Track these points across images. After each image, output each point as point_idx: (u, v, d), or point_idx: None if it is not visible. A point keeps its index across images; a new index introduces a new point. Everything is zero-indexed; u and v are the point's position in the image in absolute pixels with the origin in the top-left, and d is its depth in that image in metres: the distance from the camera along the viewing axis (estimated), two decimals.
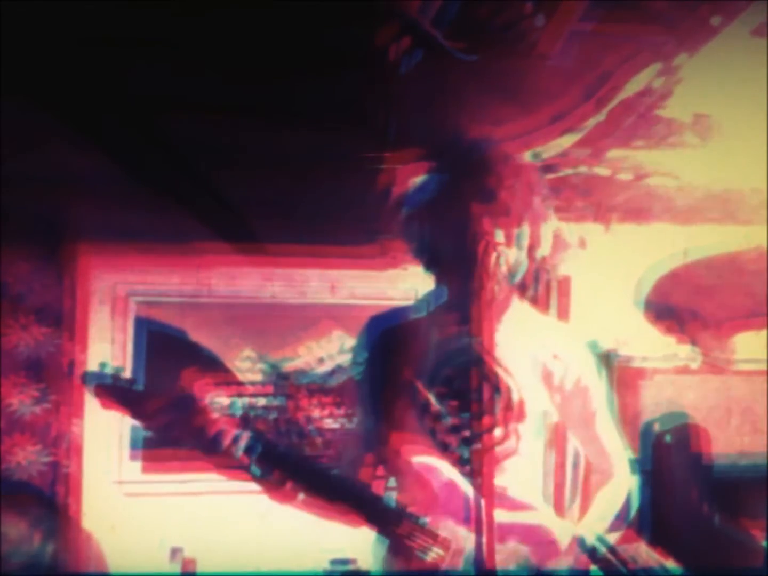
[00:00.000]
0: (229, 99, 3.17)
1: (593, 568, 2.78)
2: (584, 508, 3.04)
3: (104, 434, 3.92)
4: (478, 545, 2.54)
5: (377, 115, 3.20)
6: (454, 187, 2.77)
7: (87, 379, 2.67)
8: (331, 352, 4.10)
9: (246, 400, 4.01)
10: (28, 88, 3.00)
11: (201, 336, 3.95)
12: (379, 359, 2.91)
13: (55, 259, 3.87)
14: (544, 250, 2.81)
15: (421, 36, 2.89)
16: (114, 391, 2.64)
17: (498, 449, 2.72)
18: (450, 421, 2.76)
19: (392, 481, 2.88)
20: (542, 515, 2.82)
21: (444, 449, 2.76)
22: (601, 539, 2.79)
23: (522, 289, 2.90)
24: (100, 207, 3.67)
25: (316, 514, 2.77)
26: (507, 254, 2.71)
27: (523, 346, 2.84)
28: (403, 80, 3.04)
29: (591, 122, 3.37)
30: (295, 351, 4.09)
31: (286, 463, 2.70)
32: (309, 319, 4.11)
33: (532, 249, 2.78)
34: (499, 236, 2.70)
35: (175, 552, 3.76)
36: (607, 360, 3.73)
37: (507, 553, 2.69)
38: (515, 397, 2.77)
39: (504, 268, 2.72)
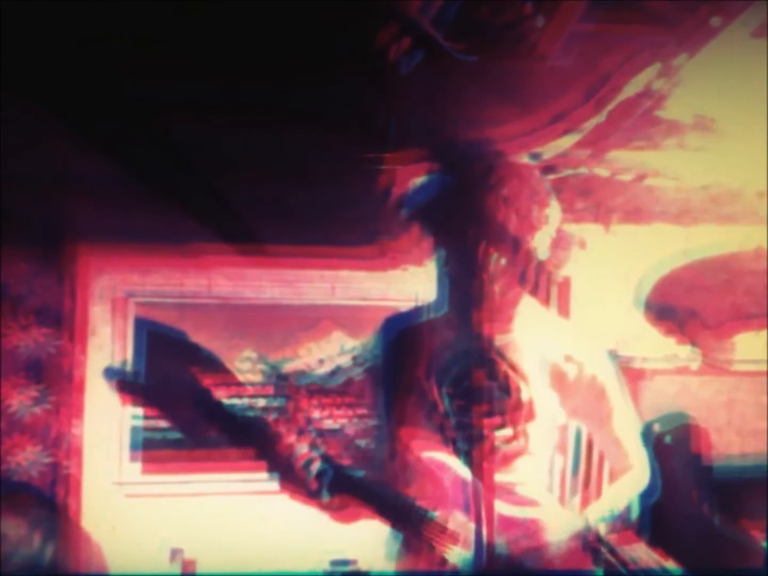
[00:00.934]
0: (229, 99, 3.17)
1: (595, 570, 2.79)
2: (589, 501, 3.05)
3: (104, 435, 3.92)
4: (479, 540, 2.55)
5: (377, 115, 3.20)
6: (458, 187, 2.78)
7: (108, 374, 2.70)
8: (331, 353, 4.11)
9: (246, 400, 4.02)
10: (28, 88, 3.00)
11: (201, 337, 3.95)
12: (392, 359, 2.93)
13: (56, 260, 3.87)
14: (546, 250, 2.82)
15: (421, 37, 2.89)
16: (136, 388, 2.66)
17: (507, 448, 2.73)
18: (458, 419, 2.77)
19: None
20: (550, 512, 2.83)
21: (451, 446, 2.78)
22: (601, 539, 2.79)
23: (528, 288, 2.91)
24: (100, 207, 3.67)
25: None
26: (509, 254, 2.72)
27: (535, 345, 2.85)
28: (403, 81, 3.04)
29: (591, 123, 3.37)
30: (295, 352, 4.09)
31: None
32: (309, 320, 4.11)
33: (534, 249, 2.79)
34: (504, 236, 2.70)
35: (175, 553, 3.76)
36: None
37: (511, 549, 2.70)
38: (525, 396, 2.78)
39: (506, 268, 2.73)
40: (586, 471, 3.42)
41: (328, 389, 4.09)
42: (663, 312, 4.12)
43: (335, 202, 3.69)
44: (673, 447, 3.90)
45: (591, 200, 3.96)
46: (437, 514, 2.71)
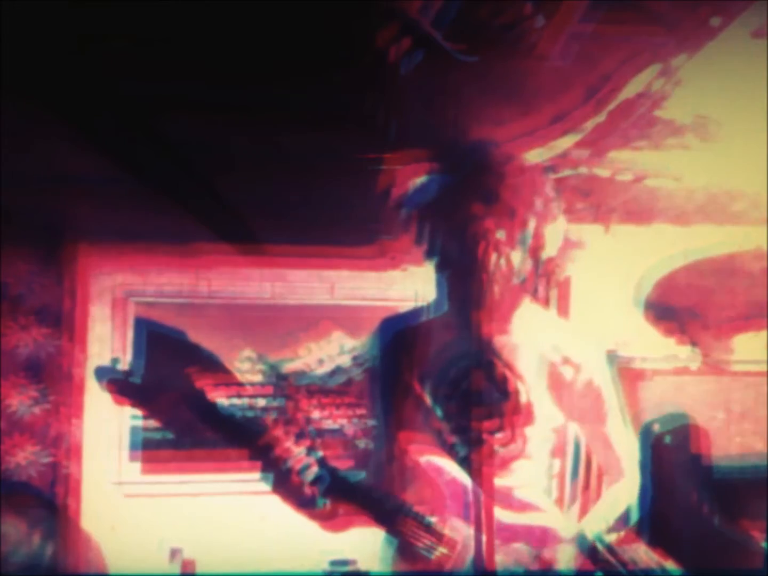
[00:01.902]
0: (229, 99, 3.17)
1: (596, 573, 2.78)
2: (588, 507, 3.04)
3: (104, 435, 3.92)
4: (478, 544, 2.54)
5: (377, 115, 3.19)
6: (458, 188, 2.78)
7: (99, 374, 2.68)
8: (331, 353, 4.10)
9: (245, 400, 4.01)
10: (28, 88, 3.00)
11: (201, 337, 3.95)
12: (390, 360, 2.92)
13: (55, 260, 3.86)
14: (548, 251, 2.81)
15: (421, 37, 2.88)
16: (127, 386, 2.64)
17: (505, 451, 2.72)
18: (456, 422, 2.77)
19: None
20: (547, 516, 2.82)
21: (449, 450, 2.77)
22: (600, 539, 2.79)
23: (527, 289, 2.90)
24: (100, 207, 3.67)
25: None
26: (510, 255, 2.71)
27: (533, 347, 2.84)
28: (403, 81, 3.03)
29: (591, 123, 3.36)
30: (294, 352, 4.09)
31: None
32: (308, 320, 4.11)
33: (536, 250, 2.78)
34: (503, 237, 2.70)
35: (174, 553, 3.76)
36: (607, 361, 3.73)
37: (510, 553, 2.69)
38: (523, 399, 2.78)
39: (506, 269, 2.72)
40: (584, 477, 3.42)
41: (328, 389, 4.08)
42: (663, 312, 4.12)
43: (335, 202, 3.69)
44: (672, 447, 3.90)
45: (591, 200, 3.95)
46: (434, 520, 2.70)
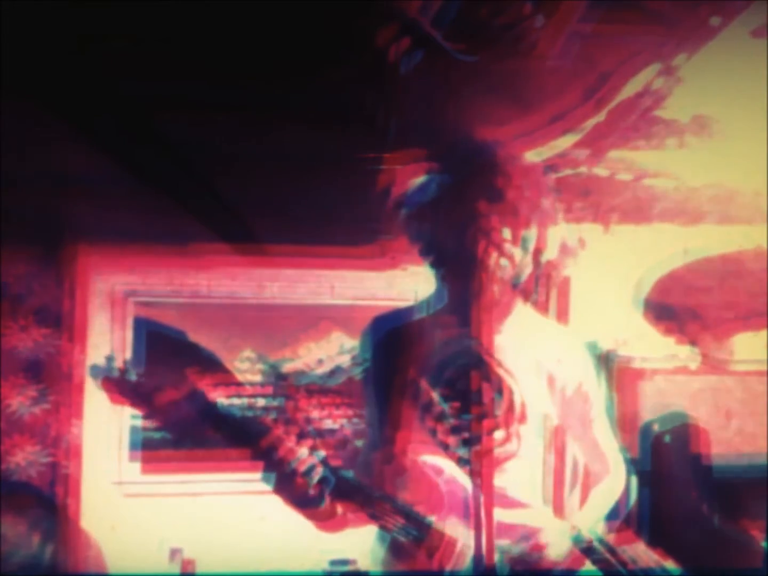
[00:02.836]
0: (229, 99, 3.17)
1: (589, 567, 2.78)
2: (579, 505, 3.05)
3: (103, 435, 3.92)
4: (478, 544, 2.54)
5: (377, 115, 3.20)
6: (459, 187, 2.77)
7: (93, 372, 2.66)
8: (331, 353, 4.10)
9: (245, 400, 4.01)
10: (27, 88, 3.00)
11: (200, 337, 3.95)
12: (383, 359, 2.91)
13: (55, 260, 3.86)
14: (549, 253, 2.81)
15: (421, 36, 2.88)
16: (122, 385, 2.62)
17: (499, 450, 2.72)
18: (451, 421, 2.76)
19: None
20: (540, 515, 2.82)
21: (444, 449, 2.77)
22: (599, 539, 2.79)
23: (524, 291, 2.90)
24: (100, 207, 3.66)
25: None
26: (510, 255, 2.71)
27: (527, 348, 2.84)
28: (402, 81, 3.03)
29: (590, 123, 3.37)
30: (294, 352, 4.09)
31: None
32: (308, 320, 4.11)
33: (537, 252, 2.77)
34: (506, 237, 2.69)
35: (174, 552, 3.76)
36: (606, 360, 3.73)
37: (504, 553, 2.69)
38: (517, 399, 2.77)
39: (505, 270, 2.72)
40: (573, 476, 3.42)
41: (328, 389, 4.08)
42: (662, 312, 4.12)
43: (335, 202, 3.69)
44: (672, 447, 3.90)
45: (590, 200, 3.95)
46: (434, 520, 2.70)
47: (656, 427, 3.90)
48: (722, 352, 4.11)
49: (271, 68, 3.01)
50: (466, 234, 2.69)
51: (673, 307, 4.11)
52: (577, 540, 2.76)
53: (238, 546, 3.78)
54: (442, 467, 2.76)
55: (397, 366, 2.85)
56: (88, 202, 3.66)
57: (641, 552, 2.84)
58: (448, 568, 2.67)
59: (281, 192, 3.64)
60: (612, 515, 2.95)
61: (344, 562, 3.53)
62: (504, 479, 2.73)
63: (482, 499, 2.54)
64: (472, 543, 2.58)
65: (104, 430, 3.91)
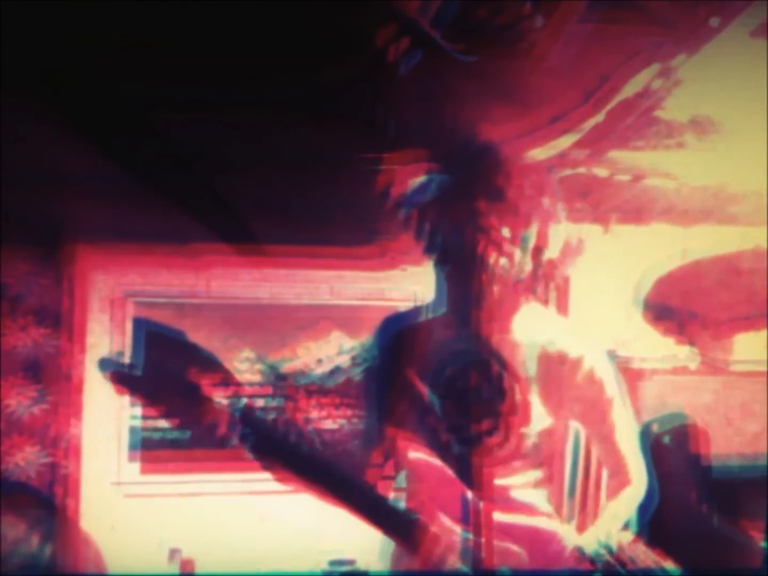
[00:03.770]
0: (228, 99, 3.17)
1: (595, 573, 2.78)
2: (593, 514, 3.03)
3: (103, 435, 3.92)
4: (477, 545, 2.54)
5: (376, 115, 3.19)
6: (459, 187, 2.77)
7: (102, 365, 2.67)
8: (330, 353, 4.10)
9: (245, 400, 4.01)
10: (27, 87, 3.00)
11: (200, 337, 3.95)
12: (389, 359, 2.92)
13: (54, 260, 3.86)
14: (551, 252, 2.81)
15: (420, 36, 2.88)
16: (129, 379, 2.64)
17: (500, 451, 2.72)
18: (451, 421, 2.76)
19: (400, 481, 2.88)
20: (543, 518, 2.82)
21: (444, 448, 2.77)
22: (601, 542, 2.79)
23: (525, 289, 2.90)
24: (99, 207, 3.67)
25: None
26: (509, 254, 2.71)
27: (532, 346, 2.83)
28: (402, 81, 3.03)
29: (590, 123, 3.36)
30: (293, 352, 4.09)
31: (281, 452, 2.68)
32: (307, 320, 4.11)
33: (537, 251, 2.77)
34: (505, 235, 2.69)
35: (173, 553, 3.76)
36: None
37: (504, 554, 2.69)
38: (518, 399, 2.77)
39: (506, 268, 2.72)
40: (584, 478, 3.41)
41: (327, 389, 4.09)
42: (662, 312, 4.12)
43: (335, 202, 3.69)
44: (671, 447, 3.90)
45: (590, 200, 3.96)
46: (420, 516, 2.70)
47: (655, 428, 3.90)
48: (721, 352, 4.12)
49: (270, 68, 3.01)
50: (466, 233, 2.70)
51: (672, 307, 4.11)
52: (580, 549, 2.75)
53: (237, 546, 3.78)
54: (438, 465, 2.76)
55: (400, 365, 2.85)
56: (88, 202, 3.66)
57: (641, 552, 2.84)
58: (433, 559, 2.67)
59: (281, 192, 3.64)
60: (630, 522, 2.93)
61: (344, 562, 3.53)
62: (507, 480, 2.73)
63: (478, 498, 2.54)
64: (461, 541, 2.58)
65: (104, 430, 3.91)
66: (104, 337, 3.95)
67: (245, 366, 4.05)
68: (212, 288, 4.05)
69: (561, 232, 2.85)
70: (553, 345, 2.86)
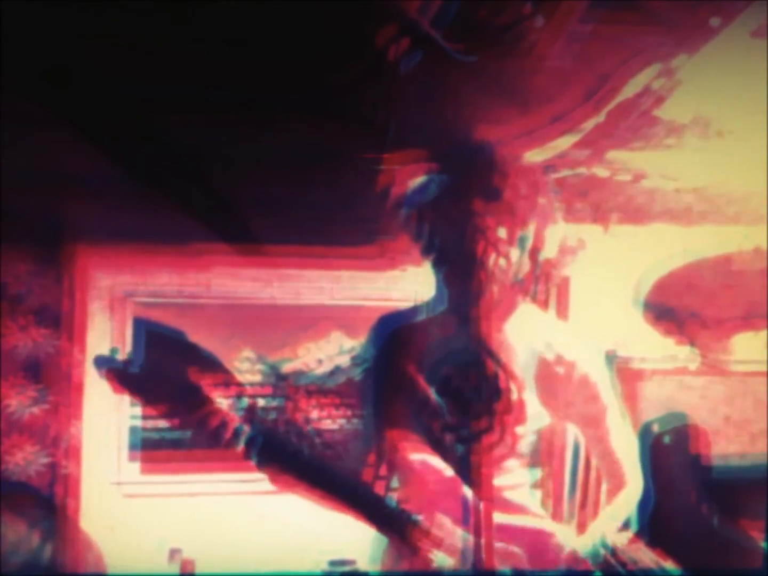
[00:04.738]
0: (228, 99, 3.17)
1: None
2: (590, 515, 3.03)
3: (103, 435, 3.93)
4: (476, 546, 2.54)
5: (376, 115, 3.19)
6: (458, 187, 2.77)
7: (98, 363, 2.66)
8: (330, 353, 4.11)
9: (245, 400, 4.01)
10: (27, 87, 3.00)
11: (200, 337, 3.95)
12: (385, 357, 2.91)
13: (54, 260, 3.87)
14: (548, 252, 2.80)
15: (420, 37, 2.88)
16: (126, 376, 2.63)
17: (495, 450, 2.71)
18: (447, 420, 2.76)
19: (395, 482, 2.87)
20: (537, 518, 2.82)
21: (440, 448, 2.76)
22: (599, 543, 2.79)
23: (523, 290, 2.89)
24: (100, 207, 3.67)
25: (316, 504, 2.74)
26: (506, 254, 2.71)
27: (529, 346, 2.83)
28: (402, 81, 3.03)
29: (590, 123, 3.36)
30: (294, 352, 4.10)
31: (287, 457, 2.68)
32: (308, 320, 4.12)
33: (535, 251, 2.77)
34: (502, 235, 2.69)
35: (173, 553, 3.76)
36: (606, 361, 3.73)
37: (500, 555, 2.68)
38: (515, 398, 2.76)
39: (504, 269, 2.72)
40: (583, 479, 3.41)
41: (327, 389, 4.09)
42: (662, 312, 4.12)
43: (335, 202, 3.69)
44: (671, 447, 3.90)
45: (590, 200, 3.96)
46: (421, 518, 2.69)
47: (656, 428, 3.90)
48: (721, 353, 4.12)
49: (270, 68, 3.01)
50: (465, 233, 2.70)
51: (672, 308, 4.11)
52: (594, 553, 2.75)
53: (237, 546, 3.78)
54: (435, 465, 2.76)
55: (396, 364, 2.85)
56: (88, 202, 3.66)
57: (641, 552, 2.84)
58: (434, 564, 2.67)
59: (281, 192, 3.64)
60: (627, 524, 2.93)
61: (343, 562, 3.54)
62: (500, 480, 2.73)
63: (477, 498, 2.54)
64: (466, 543, 2.58)
65: (104, 430, 3.91)
66: (104, 337, 3.96)
67: (245, 366, 4.06)
68: (213, 288, 4.05)
69: (558, 233, 2.84)
70: (550, 346, 2.86)
